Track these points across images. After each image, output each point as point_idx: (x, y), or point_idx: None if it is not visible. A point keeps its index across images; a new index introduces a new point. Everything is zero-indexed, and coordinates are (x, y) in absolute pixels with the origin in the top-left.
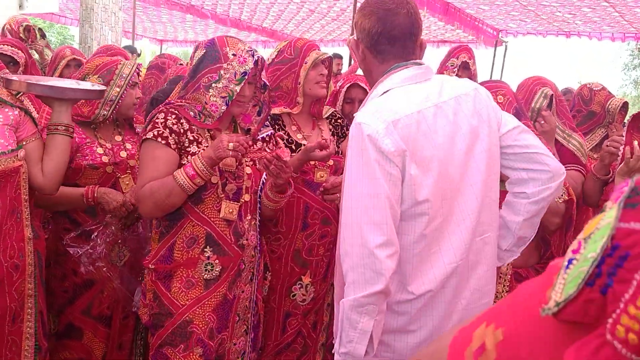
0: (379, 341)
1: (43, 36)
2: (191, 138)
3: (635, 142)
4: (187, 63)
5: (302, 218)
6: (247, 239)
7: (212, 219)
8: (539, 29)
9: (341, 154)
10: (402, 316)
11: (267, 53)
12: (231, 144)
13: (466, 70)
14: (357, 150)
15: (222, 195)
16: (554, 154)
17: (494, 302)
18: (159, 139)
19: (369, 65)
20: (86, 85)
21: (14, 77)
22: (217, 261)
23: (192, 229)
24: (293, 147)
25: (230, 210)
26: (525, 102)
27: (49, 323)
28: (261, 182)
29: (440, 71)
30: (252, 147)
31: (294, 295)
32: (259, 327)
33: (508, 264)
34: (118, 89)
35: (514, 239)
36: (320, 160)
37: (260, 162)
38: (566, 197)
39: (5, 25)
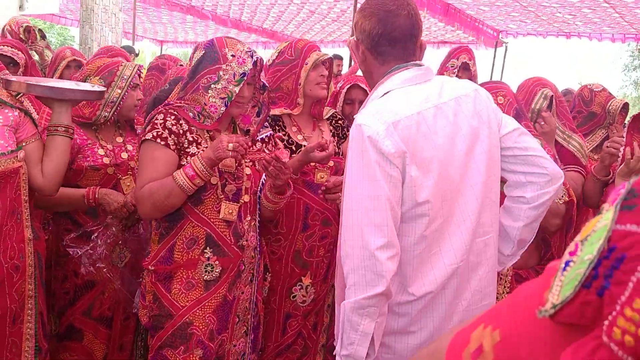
0: (380, 342)
1: (43, 37)
2: (190, 139)
3: (636, 143)
4: (187, 64)
5: (303, 219)
6: (246, 240)
7: (211, 220)
8: (539, 29)
9: (342, 155)
10: (403, 317)
11: (267, 54)
12: (231, 145)
13: (466, 71)
14: (358, 152)
15: (222, 196)
16: (554, 155)
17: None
18: (158, 140)
19: (369, 67)
20: (86, 86)
21: (14, 78)
22: (217, 262)
23: (192, 230)
24: (293, 148)
25: (230, 211)
26: (525, 103)
27: (50, 324)
28: (260, 183)
29: (441, 72)
30: (251, 148)
31: (294, 297)
32: (259, 328)
33: None
34: (119, 91)
35: (514, 244)
36: (319, 162)
37: (259, 163)
38: (567, 198)
39: (5, 26)
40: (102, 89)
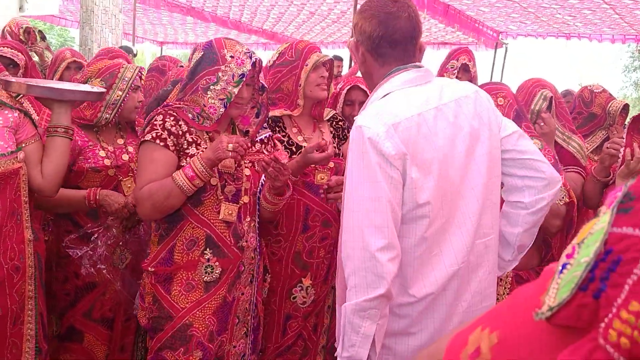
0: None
1: (43, 38)
2: (190, 140)
3: (636, 144)
4: (186, 65)
5: (303, 220)
6: (246, 241)
7: (211, 221)
8: (539, 30)
9: (342, 156)
10: (403, 319)
11: (267, 55)
12: (230, 145)
13: (466, 72)
14: (358, 154)
15: (222, 197)
16: (554, 156)
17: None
18: (158, 141)
19: (369, 68)
20: (85, 87)
21: (14, 79)
22: (217, 263)
23: (192, 231)
24: (294, 149)
25: (230, 212)
26: (524, 104)
27: (51, 325)
28: (260, 184)
29: (441, 73)
30: (250, 149)
31: (294, 298)
32: (258, 329)
33: None
34: (120, 92)
35: (514, 250)
36: (319, 163)
37: (259, 164)
38: (567, 200)
39: (5, 27)
40: (102, 90)
